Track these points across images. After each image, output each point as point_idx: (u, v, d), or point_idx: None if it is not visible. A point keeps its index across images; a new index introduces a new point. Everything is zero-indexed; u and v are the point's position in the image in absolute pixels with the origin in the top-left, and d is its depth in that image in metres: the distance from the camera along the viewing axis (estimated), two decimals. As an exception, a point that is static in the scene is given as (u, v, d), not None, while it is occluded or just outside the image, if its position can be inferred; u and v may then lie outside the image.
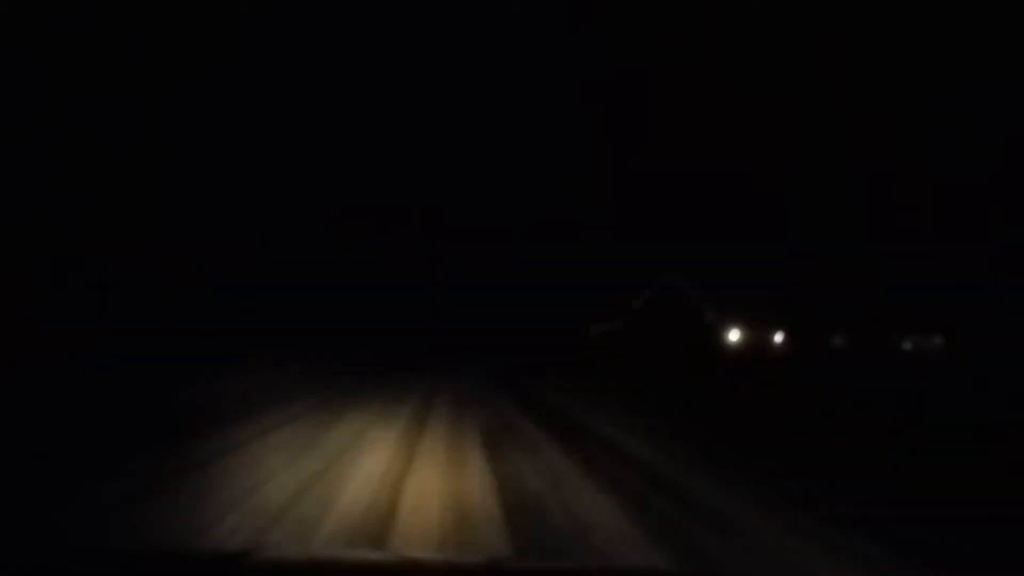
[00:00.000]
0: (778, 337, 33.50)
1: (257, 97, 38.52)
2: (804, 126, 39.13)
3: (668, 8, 45.46)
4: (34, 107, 21.73)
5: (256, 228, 34.92)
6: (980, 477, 6.77)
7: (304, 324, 33.86)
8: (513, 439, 8.05)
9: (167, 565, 1.43)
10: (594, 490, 5.70)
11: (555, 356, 27.30)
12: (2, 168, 20.05)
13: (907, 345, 36.71)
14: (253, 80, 38.23)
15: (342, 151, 49.61)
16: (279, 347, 23.99)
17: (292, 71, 45.78)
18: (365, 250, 48.38)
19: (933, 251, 34.29)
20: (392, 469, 6.21)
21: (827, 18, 40.97)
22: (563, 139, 58.59)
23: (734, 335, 31.80)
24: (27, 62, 21.78)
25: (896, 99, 39.02)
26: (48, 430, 7.86)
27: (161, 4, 28.95)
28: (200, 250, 28.68)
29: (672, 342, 29.95)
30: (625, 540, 4.40)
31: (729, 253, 35.04)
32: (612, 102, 54.33)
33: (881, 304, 35.05)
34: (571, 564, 2.81)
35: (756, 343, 31.93)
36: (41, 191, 21.45)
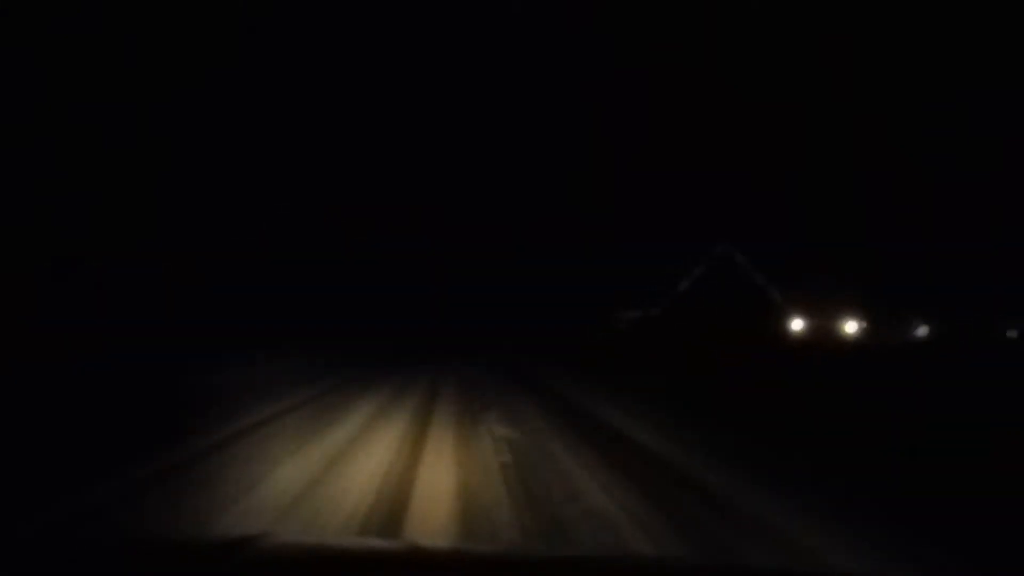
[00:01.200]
0: (850, 326, 29.33)
1: (257, 97, 38.49)
2: (804, 126, 39.08)
3: (668, 8, 45.44)
4: (34, 107, 21.71)
5: (256, 228, 34.91)
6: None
7: (304, 324, 33.82)
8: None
9: (172, 552, 1.43)
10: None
11: (563, 354, 26.35)
12: (2, 168, 20.03)
13: (1011, 333, 32.52)
14: (253, 80, 38.19)
15: (342, 151, 49.58)
16: (280, 347, 23.96)
17: (292, 71, 45.74)
18: (365, 250, 48.39)
19: (933, 251, 34.19)
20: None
21: (827, 18, 40.97)
22: (563, 139, 58.59)
23: (797, 324, 28.15)
24: (27, 62, 21.77)
25: (896, 99, 39.03)
26: (63, 427, 7.86)
27: (161, 4, 28.95)
28: (200, 250, 28.66)
29: (731, 329, 26.08)
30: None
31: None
32: (612, 102, 54.33)
33: (974, 290, 30.83)
34: (580, 553, 2.83)
35: (823, 332, 28.21)
36: (41, 191, 21.43)
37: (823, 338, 27.84)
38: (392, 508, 4.92)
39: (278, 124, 40.52)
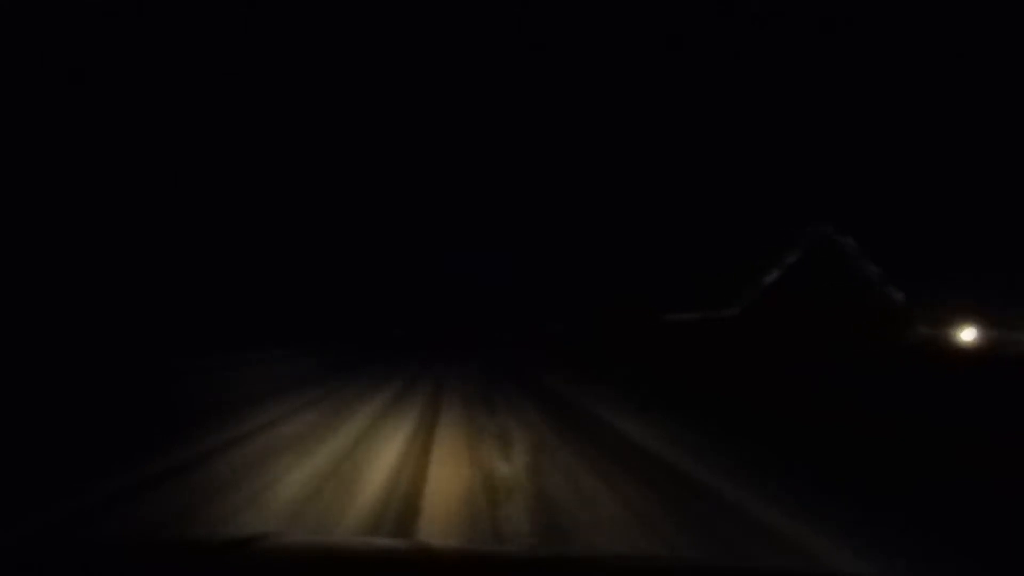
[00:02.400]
0: (967, 334, 25.08)
1: (257, 97, 38.56)
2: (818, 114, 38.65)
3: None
4: (34, 107, 21.72)
5: (257, 227, 34.95)
6: None
7: (304, 323, 33.83)
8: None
9: (173, 552, 1.40)
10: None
11: (571, 358, 23.83)
12: (2, 168, 20.04)
13: None
14: (253, 80, 38.26)
15: (343, 151, 49.69)
16: (283, 347, 23.96)
17: (292, 71, 45.85)
18: (365, 250, 48.44)
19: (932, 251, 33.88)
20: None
21: (826, 17, 40.92)
22: (562, 139, 58.73)
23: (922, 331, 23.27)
24: (27, 61, 21.78)
25: (896, 99, 38.96)
26: (63, 427, 7.84)
27: (161, 4, 28.96)
28: (200, 250, 28.68)
29: (842, 334, 21.26)
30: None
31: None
32: (611, 102, 54.42)
33: None
34: (585, 552, 2.81)
35: (936, 338, 24.16)
36: (41, 191, 21.45)
37: (937, 346, 23.39)
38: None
39: (278, 124, 40.58)
